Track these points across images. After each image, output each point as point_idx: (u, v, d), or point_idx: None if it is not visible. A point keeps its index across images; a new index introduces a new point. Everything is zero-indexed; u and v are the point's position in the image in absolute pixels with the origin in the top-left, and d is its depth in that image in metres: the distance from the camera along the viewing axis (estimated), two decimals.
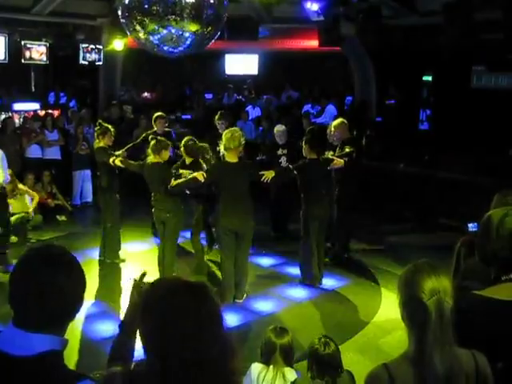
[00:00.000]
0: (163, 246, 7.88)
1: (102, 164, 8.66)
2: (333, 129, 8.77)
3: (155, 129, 9.85)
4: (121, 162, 8.24)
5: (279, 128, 10.23)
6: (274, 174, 7.34)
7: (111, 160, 8.30)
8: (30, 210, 10.03)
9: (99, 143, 8.64)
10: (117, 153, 8.78)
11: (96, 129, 8.86)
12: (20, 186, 9.88)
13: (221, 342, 1.81)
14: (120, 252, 8.91)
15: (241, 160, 7.36)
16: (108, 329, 6.37)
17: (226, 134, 7.16)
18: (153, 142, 7.73)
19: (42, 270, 1.92)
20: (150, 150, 7.71)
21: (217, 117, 9.81)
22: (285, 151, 10.00)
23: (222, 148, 7.25)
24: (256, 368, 3.98)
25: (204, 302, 1.84)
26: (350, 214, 8.98)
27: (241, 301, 7.40)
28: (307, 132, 8.38)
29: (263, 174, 7.29)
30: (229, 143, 7.07)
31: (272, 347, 4.04)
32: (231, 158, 7.16)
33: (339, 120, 8.86)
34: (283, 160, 9.94)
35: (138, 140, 9.76)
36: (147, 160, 7.77)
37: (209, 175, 7.16)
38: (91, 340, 6.29)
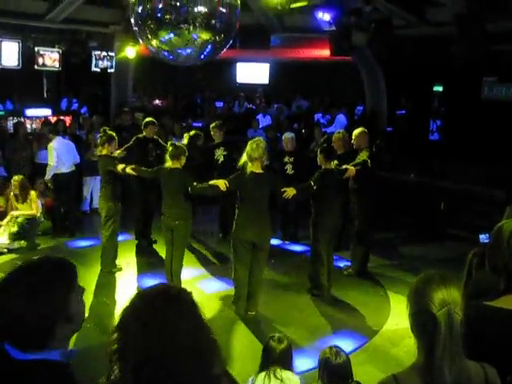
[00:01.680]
0: (171, 253, 7.87)
1: (106, 172, 8.61)
2: (353, 137, 8.78)
3: (144, 134, 9.82)
4: (133, 169, 8.23)
5: (287, 135, 10.27)
6: (295, 192, 7.28)
7: (120, 168, 8.29)
8: (39, 212, 10.03)
9: (102, 151, 8.61)
10: (116, 153, 8.81)
11: (100, 135, 8.80)
12: (32, 192, 9.87)
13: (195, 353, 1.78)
14: (116, 261, 8.84)
15: (265, 171, 7.27)
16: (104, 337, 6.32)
17: (250, 144, 7.08)
18: (171, 148, 7.75)
19: (15, 295, 1.97)
20: (168, 156, 7.72)
21: (212, 125, 10.03)
22: (291, 159, 10.03)
23: (245, 158, 7.12)
24: (250, 378, 4.04)
25: (181, 312, 1.81)
26: (369, 230, 8.94)
27: (253, 313, 7.34)
28: (322, 141, 8.39)
29: (285, 191, 7.24)
30: (253, 153, 7.01)
31: (270, 353, 4.08)
32: (255, 169, 7.08)
33: (360, 129, 8.85)
34: (289, 167, 9.98)
35: (130, 143, 9.74)
36: (165, 165, 7.77)
37: (231, 184, 7.14)
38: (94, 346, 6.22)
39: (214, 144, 10.30)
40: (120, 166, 8.31)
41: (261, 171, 7.11)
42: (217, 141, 10.26)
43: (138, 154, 9.69)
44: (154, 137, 9.97)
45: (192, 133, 10.17)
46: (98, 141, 8.75)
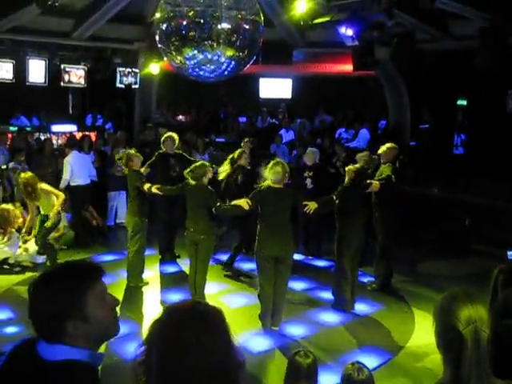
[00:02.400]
0: (195, 267, 7.90)
1: (133, 188, 8.71)
2: (383, 151, 8.83)
3: (164, 149, 9.85)
4: (158, 189, 8.36)
5: (310, 150, 10.34)
6: (316, 206, 7.30)
7: (146, 188, 8.40)
8: (55, 208, 9.81)
9: (131, 167, 8.74)
10: (141, 170, 8.97)
11: (121, 161, 8.96)
12: (43, 185, 9.43)
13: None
14: (143, 275, 8.91)
15: (286, 186, 7.30)
16: (131, 350, 6.32)
17: (271, 168, 7.10)
18: (190, 175, 7.81)
19: (33, 295, 2.09)
20: (189, 176, 7.84)
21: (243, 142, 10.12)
22: (311, 174, 10.07)
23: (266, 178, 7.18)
24: None
25: (208, 331, 1.81)
26: (392, 244, 8.91)
27: (277, 328, 7.32)
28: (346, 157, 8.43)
29: (306, 204, 7.28)
30: (273, 176, 7.04)
31: (295, 369, 4.07)
32: (276, 184, 7.11)
33: (391, 144, 8.94)
34: (308, 182, 10.01)
35: (153, 159, 9.81)
36: (189, 182, 7.86)
37: (253, 202, 7.17)
38: (114, 360, 6.21)
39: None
40: (146, 186, 8.42)
41: (281, 186, 7.14)
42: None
43: (161, 169, 9.78)
44: (177, 151, 10.01)
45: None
46: (123, 160, 8.84)
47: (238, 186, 9.42)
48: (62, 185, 10.78)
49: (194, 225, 7.81)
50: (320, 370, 4.26)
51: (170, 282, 9.13)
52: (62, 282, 2.07)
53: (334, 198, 7.69)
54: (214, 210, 7.57)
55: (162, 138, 9.99)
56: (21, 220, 10.02)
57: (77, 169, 10.90)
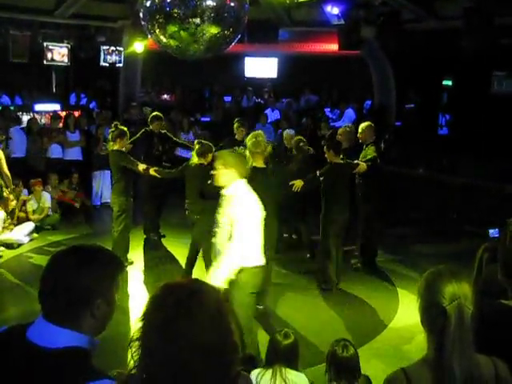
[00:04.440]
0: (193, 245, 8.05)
1: (118, 167, 8.56)
2: (360, 131, 8.77)
3: (151, 128, 9.84)
4: (156, 171, 8.38)
5: (289, 132, 10.31)
6: (302, 183, 7.52)
7: (141, 168, 8.35)
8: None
9: (114, 146, 8.53)
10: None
11: (111, 130, 8.73)
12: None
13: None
14: (128, 255, 8.82)
15: (267, 165, 7.23)
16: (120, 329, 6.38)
17: (250, 139, 7.04)
18: (197, 146, 7.97)
19: (67, 265, 2.03)
20: (194, 153, 7.97)
21: (236, 125, 9.92)
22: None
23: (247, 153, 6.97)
24: (255, 373, 4.01)
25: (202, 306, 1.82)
26: (376, 224, 8.96)
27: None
28: (328, 136, 8.40)
29: (293, 184, 7.48)
30: (255, 148, 6.95)
31: (275, 349, 4.07)
32: (258, 163, 7.00)
33: (367, 123, 8.83)
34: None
35: (137, 135, 9.78)
36: (190, 162, 8.01)
37: None
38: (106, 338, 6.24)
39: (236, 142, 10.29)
40: (142, 166, 8.36)
41: (263, 166, 7.07)
42: (239, 139, 10.15)
43: (144, 147, 9.79)
44: (162, 131, 9.99)
45: None
46: (109, 136, 8.70)
47: None
48: None
49: (190, 205, 7.92)
50: (305, 349, 4.28)
51: (154, 261, 9.14)
52: (99, 261, 2.08)
53: (318, 175, 7.74)
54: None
55: (150, 117, 9.96)
56: (14, 202, 10.06)
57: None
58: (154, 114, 10.06)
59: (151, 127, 9.83)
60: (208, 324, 1.78)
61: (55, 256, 2.09)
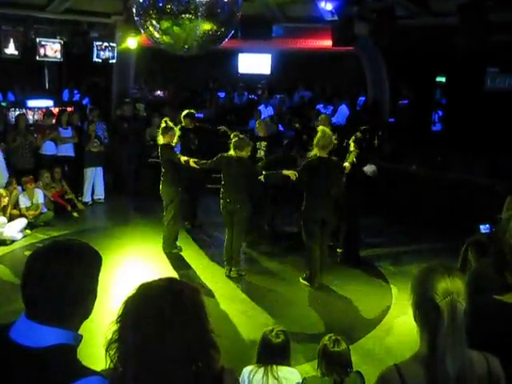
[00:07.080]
0: (231, 235, 8.36)
1: (166, 160, 9.06)
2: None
3: (183, 124, 10.36)
4: (195, 163, 8.71)
5: (260, 121, 10.70)
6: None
7: (183, 160, 8.79)
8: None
9: (162, 140, 9.01)
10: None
11: (162, 127, 9.12)
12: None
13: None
14: (177, 243, 9.38)
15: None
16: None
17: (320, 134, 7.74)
18: (235, 139, 8.23)
19: (51, 261, 1.98)
20: (231, 146, 8.23)
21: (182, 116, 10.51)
22: (264, 144, 10.17)
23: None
24: (247, 370, 4.01)
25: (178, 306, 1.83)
26: (355, 219, 9.02)
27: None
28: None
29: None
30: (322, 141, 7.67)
31: (266, 347, 4.06)
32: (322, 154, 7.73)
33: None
34: (261, 152, 10.16)
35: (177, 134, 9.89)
36: (226, 154, 8.24)
37: (302, 175, 7.79)
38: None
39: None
40: (183, 158, 8.89)
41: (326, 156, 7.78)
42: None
43: (182, 142, 10.28)
44: (195, 126, 10.60)
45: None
46: (159, 131, 9.12)
47: None
48: None
49: (228, 195, 8.25)
50: (296, 345, 4.27)
51: (195, 249, 9.67)
52: (87, 259, 2.07)
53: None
54: (263, 177, 8.08)
55: (183, 115, 10.53)
56: (7, 199, 10.08)
57: None
58: (186, 111, 10.57)
59: (183, 123, 10.35)
60: (185, 323, 1.79)
61: (40, 256, 2.02)
